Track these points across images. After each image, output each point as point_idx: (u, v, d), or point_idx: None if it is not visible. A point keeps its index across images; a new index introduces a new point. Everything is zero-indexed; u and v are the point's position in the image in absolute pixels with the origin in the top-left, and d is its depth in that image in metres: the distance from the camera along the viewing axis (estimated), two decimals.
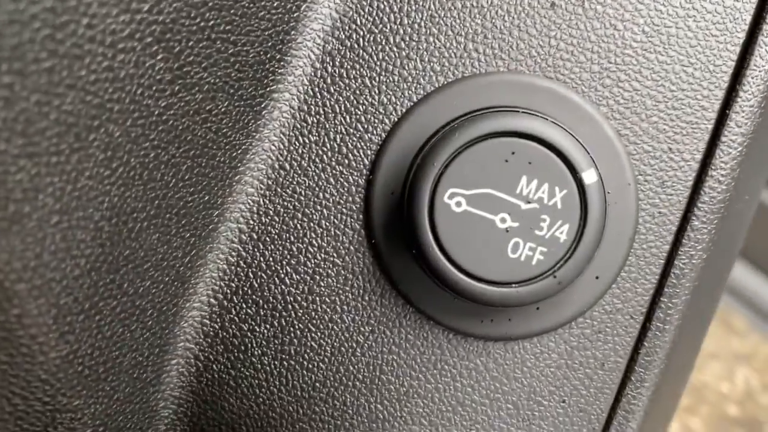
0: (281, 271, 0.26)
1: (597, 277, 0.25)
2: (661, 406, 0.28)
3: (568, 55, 0.25)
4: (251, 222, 0.26)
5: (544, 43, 0.25)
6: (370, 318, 0.26)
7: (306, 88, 0.25)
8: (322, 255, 0.26)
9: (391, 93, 0.25)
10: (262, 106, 0.25)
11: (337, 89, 0.25)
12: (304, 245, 0.26)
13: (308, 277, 0.26)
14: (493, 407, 0.27)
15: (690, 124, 0.25)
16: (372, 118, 0.25)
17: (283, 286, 0.26)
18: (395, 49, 0.25)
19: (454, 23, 0.25)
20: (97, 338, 0.22)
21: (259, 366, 0.27)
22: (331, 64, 0.25)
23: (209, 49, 0.22)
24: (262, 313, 0.26)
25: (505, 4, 0.25)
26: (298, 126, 0.26)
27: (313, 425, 0.27)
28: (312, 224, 0.26)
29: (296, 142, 0.26)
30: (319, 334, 0.26)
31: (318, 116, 0.26)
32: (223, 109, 0.23)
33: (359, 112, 0.25)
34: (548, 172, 0.23)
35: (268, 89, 0.25)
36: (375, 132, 0.26)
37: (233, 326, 0.26)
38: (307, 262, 0.26)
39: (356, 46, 0.25)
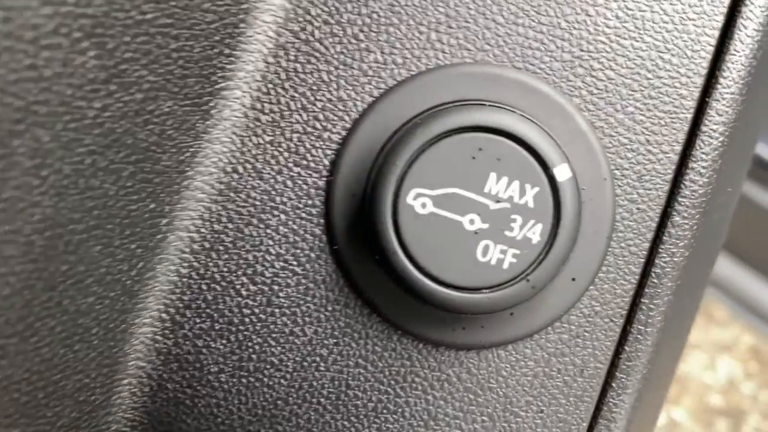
0: (237, 282, 0.25)
1: (573, 279, 0.24)
2: (644, 412, 0.27)
3: (538, 44, 0.24)
4: (203, 230, 0.24)
5: (511, 31, 0.24)
6: (333, 329, 0.25)
7: (258, 84, 0.24)
8: (281, 263, 0.25)
9: (350, 88, 0.24)
10: (211, 105, 0.23)
11: (293, 85, 0.24)
12: (261, 253, 0.25)
13: (266, 288, 0.25)
14: (467, 420, 0.25)
15: (668, 113, 0.24)
16: (331, 115, 0.24)
17: (239, 298, 0.25)
18: (353, 40, 0.24)
19: (415, 12, 0.24)
20: (35, 362, 0.20)
21: (217, 384, 0.25)
22: (284, 58, 0.24)
23: (148, 45, 0.20)
24: (217, 328, 0.25)
25: None
26: (251, 125, 0.24)
27: None
28: (269, 231, 0.24)
29: (249, 143, 0.24)
30: (279, 348, 0.25)
31: (272, 114, 0.24)
32: (166, 110, 0.22)
33: (317, 110, 0.24)
34: (518, 169, 0.22)
35: (216, 87, 0.23)
36: (334, 130, 0.24)
37: (187, 342, 0.25)
38: (265, 272, 0.25)
39: (311, 38, 0.24)
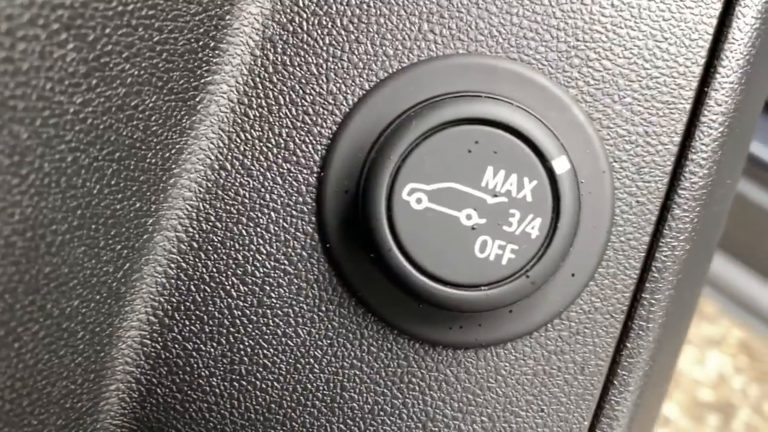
0: (226, 283, 0.24)
1: (573, 275, 0.23)
2: (646, 409, 0.26)
3: (533, 34, 0.23)
4: (191, 230, 0.24)
5: (505, 21, 0.23)
6: (327, 330, 0.24)
7: (245, 78, 0.23)
8: (272, 263, 0.24)
9: (340, 81, 0.23)
10: (197, 100, 0.23)
11: (281, 79, 0.23)
12: (251, 253, 0.24)
13: (257, 288, 0.24)
14: (466, 421, 0.25)
15: (666, 104, 0.23)
16: (321, 109, 0.23)
17: (229, 300, 0.24)
18: (343, 32, 0.23)
19: (406, 2, 0.23)
20: (18, 368, 0.20)
21: (208, 388, 0.24)
22: (272, 51, 0.23)
23: (130, 37, 0.19)
24: (207, 330, 0.24)
25: None
26: (239, 121, 0.23)
27: None
28: (259, 229, 0.24)
29: (237, 139, 0.23)
30: (271, 350, 0.24)
31: (260, 109, 0.23)
32: (150, 105, 0.21)
33: (306, 103, 0.23)
34: (516, 162, 0.21)
35: (202, 81, 0.23)
36: (325, 125, 0.23)
37: (177, 346, 0.24)
38: (255, 272, 0.24)
39: (299, 30, 0.23)
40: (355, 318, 0.24)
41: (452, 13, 0.23)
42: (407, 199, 0.21)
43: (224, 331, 0.24)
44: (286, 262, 0.24)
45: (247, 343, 0.24)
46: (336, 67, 0.23)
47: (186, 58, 0.22)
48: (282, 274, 0.24)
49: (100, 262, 0.21)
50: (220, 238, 0.24)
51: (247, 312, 0.24)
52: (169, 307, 0.24)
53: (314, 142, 0.24)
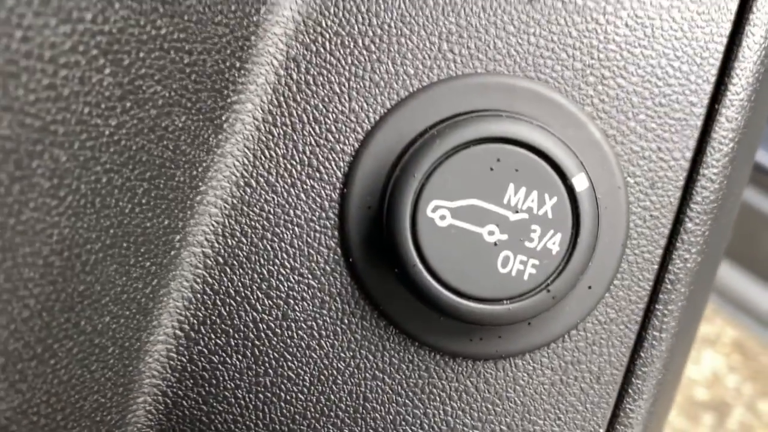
0: (251, 297, 0.24)
1: (589, 287, 0.24)
2: (658, 416, 0.27)
3: (549, 53, 0.24)
4: (216, 245, 0.24)
5: (522, 40, 0.24)
6: (350, 342, 0.25)
7: (270, 97, 0.24)
8: (296, 277, 0.24)
9: (362, 99, 0.24)
10: (223, 119, 0.23)
11: (304, 97, 0.24)
12: (276, 267, 0.24)
13: (281, 302, 0.24)
14: (486, 430, 0.25)
15: (678, 120, 0.24)
16: (343, 127, 0.24)
17: (254, 313, 0.24)
18: (365, 52, 0.24)
19: (426, 23, 0.24)
20: (53, 384, 0.20)
21: (233, 400, 0.25)
22: (296, 70, 0.24)
23: (162, 60, 0.20)
24: (233, 344, 0.25)
25: (480, 1, 0.23)
26: (264, 139, 0.24)
27: None
28: (283, 244, 0.24)
29: (262, 156, 0.24)
30: (296, 362, 0.25)
31: (285, 127, 0.24)
32: (180, 125, 0.21)
33: (329, 121, 0.24)
34: (537, 179, 0.22)
35: (228, 101, 0.23)
36: (347, 142, 0.24)
37: (202, 359, 0.25)
38: (280, 286, 0.24)
39: (322, 50, 0.24)
40: (377, 330, 0.25)
41: (471, 33, 0.24)
42: (431, 216, 0.22)
43: (249, 344, 0.25)
44: (309, 276, 0.24)
45: (271, 356, 0.25)
46: (358, 86, 0.24)
47: (213, 79, 0.22)
48: (306, 288, 0.24)
49: (130, 279, 0.22)
50: (245, 253, 0.24)
51: (272, 325, 0.25)
52: (195, 321, 0.24)
53: (337, 159, 0.24)
